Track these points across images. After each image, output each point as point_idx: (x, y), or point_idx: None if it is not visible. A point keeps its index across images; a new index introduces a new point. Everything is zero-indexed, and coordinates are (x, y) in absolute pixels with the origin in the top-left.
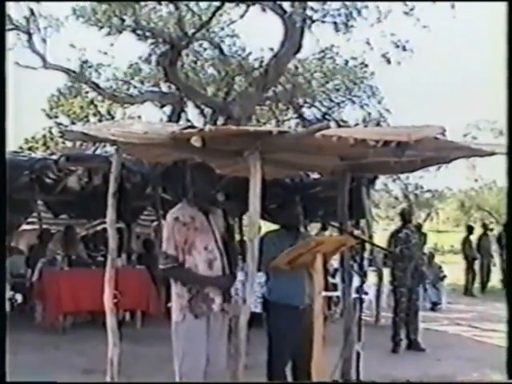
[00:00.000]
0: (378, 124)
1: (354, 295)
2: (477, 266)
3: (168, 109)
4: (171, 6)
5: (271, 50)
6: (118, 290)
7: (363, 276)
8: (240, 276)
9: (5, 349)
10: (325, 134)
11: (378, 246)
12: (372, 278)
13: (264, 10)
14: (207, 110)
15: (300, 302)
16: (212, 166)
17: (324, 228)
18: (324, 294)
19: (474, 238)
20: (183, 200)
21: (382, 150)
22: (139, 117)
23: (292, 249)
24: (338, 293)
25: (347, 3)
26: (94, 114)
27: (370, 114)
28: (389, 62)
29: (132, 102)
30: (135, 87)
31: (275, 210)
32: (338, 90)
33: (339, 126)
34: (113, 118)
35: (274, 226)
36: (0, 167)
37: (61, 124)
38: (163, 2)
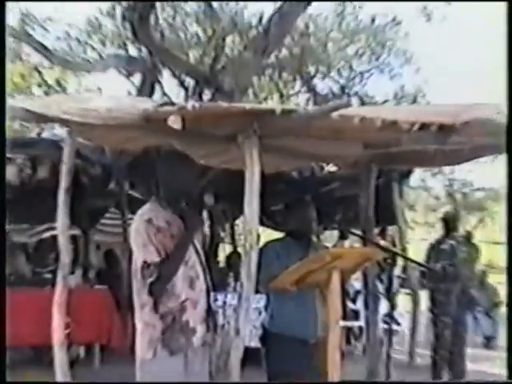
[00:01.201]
0: (413, 101)
1: (380, 325)
2: None
3: (138, 79)
4: None
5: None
6: (71, 318)
7: (393, 301)
8: (231, 299)
9: (5, 349)
10: (344, 114)
11: (413, 261)
12: (405, 303)
13: None
14: (189, 81)
15: (310, 334)
16: (195, 155)
17: (343, 237)
18: (342, 323)
19: None
20: (153, 199)
21: (419, 134)
22: (99, 89)
23: (300, 264)
24: (361, 322)
25: None
26: (39, 85)
27: (403, 87)
28: (429, 18)
29: (90, 69)
30: (94, 49)
31: (279, 213)
32: (361, 55)
33: (363, 103)
34: (64, 90)
35: (277, 234)
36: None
37: None
38: None
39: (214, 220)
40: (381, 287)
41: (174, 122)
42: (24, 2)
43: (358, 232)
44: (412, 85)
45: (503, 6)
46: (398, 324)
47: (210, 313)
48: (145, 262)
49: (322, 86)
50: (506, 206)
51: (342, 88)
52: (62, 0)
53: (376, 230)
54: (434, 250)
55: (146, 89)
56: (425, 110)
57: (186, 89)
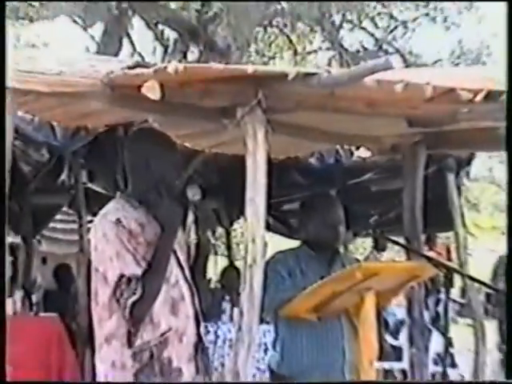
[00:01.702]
0: (476, 61)
1: (431, 368)
2: None
3: (98, 31)
4: None
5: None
6: (8, 358)
7: (448, 334)
8: (227, 332)
9: (5, 348)
10: (381, 80)
11: (475, 281)
12: (466, 336)
13: None
14: (169, 34)
15: (335, 379)
16: (177, 135)
17: (379, 246)
18: (378, 365)
19: None
20: (118, 195)
21: (484, 107)
22: (46, 44)
23: (322, 284)
24: (404, 363)
25: None
26: None
27: (461, 42)
28: None
29: (34, 17)
30: None
31: (292, 215)
32: None
33: (406, 64)
34: None
35: (291, 243)
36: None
37: None
38: None
39: (202, 223)
40: (431, 316)
41: (150, 90)
42: (24, 1)
43: (401, 240)
44: (474, 39)
45: None
46: (455, 366)
47: (200, 347)
48: (122, 277)
49: (350, 40)
50: (506, 206)
51: (379, 43)
52: (62, 0)
53: (425, 237)
54: (505, 265)
55: (111, 45)
56: (492, 74)
57: (165, 45)
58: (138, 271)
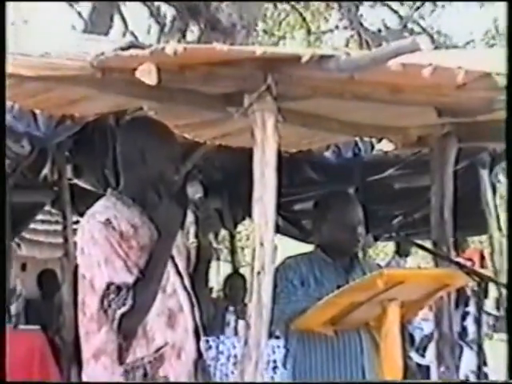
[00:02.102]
0: None
1: None
2: None
3: (87, 7)
4: None
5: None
6: None
7: (482, 351)
8: (231, 347)
9: (5, 348)
10: (407, 63)
11: None
12: (501, 354)
13: None
14: (166, 11)
15: None
16: (176, 124)
17: (402, 251)
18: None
19: None
20: (109, 192)
21: None
22: (26, 22)
23: (339, 293)
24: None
25: None
26: None
27: (496, 20)
28: None
29: None
30: None
31: (306, 215)
32: None
33: (435, 46)
34: None
35: (304, 248)
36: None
37: None
38: None
39: (202, 225)
40: (462, 331)
41: (145, 74)
42: (24, 1)
43: (428, 244)
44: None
45: None
46: None
47: (201, 365)
48: (110, 285)
49: (371, 18)
50: (506, 206)
51: (403, 21)
52: (62, 0)
53: (455, 242)
54: None
55: (101, 22)
56: None
57: (162, 23)
58: (129, 279)
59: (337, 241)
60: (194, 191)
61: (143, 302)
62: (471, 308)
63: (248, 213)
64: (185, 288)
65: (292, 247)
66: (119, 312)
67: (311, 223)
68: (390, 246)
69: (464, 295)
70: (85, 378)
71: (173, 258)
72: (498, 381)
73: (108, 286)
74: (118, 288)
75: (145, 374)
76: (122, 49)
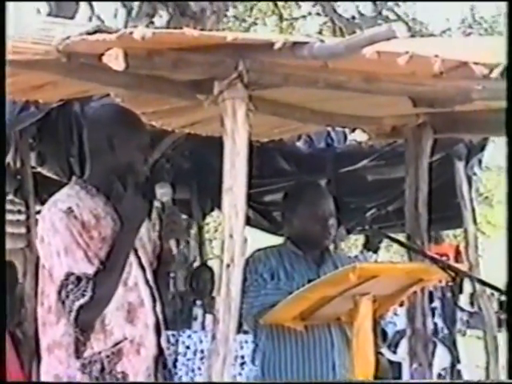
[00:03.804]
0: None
1: None
2: None
3: None
4: None
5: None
6: None
7: (456, 348)
8: (198, 342)
9: (5, 348)
10: (382, 51)
11: (487, 286)
12: (475, 351)
13: None
14: None
15: None
16: (144, 111)
17: (371, 246)
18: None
19: None
20: (74, 181)
21: (500, 84)
22: None
23: (310, 287)
24: (405, 380)
25: None
26: None
27: (473, 8)
28: None
29: None
30: None
31: (276, 207)
32: None
33: (411, 33)
34: None
35: (274, 240)
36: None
37: None
38: None
39: (165, 229)
40: (436, 327)
41: (112, 60)
42: (24, 1)
43: (402, 238)
44: (488, 5)
45: None
46: None
47: (161, 361)
48: (70, 275)
49: (345, 4)
50: (506, 205)
51: (378, 8)
52: (62, 0)
53: (430, 235)
54: None
55: (66, 6)
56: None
57: (129, 7)
58: (89, 270)
59: (307, 233)
60: (163, 193)
61: (103, 295)
62: (437, 303)
63: (217, 204)
64: (147, 282)
65: (262, 240)
66: (77, 304)
67: (281, 215)
68: (363, 238)
69: (443, 290)
70: (45, 372)
71: (136, 251)
72: (498, 381)
73: (67, 276)
74: (78, 279)
75: (102, 369)
76: (89, 33)
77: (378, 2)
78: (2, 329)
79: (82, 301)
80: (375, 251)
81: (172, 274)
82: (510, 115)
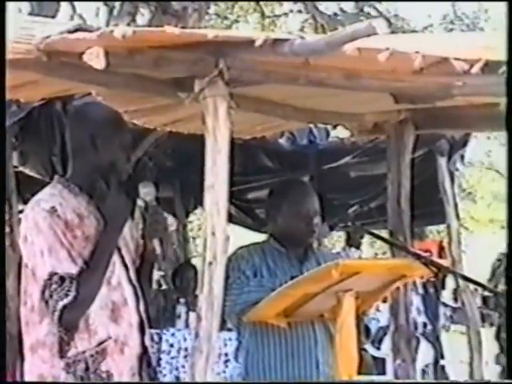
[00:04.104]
0: (472, 27)
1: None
2: None
3: None
4: None
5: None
6: None
7: (439, 344)
8: (182, 340)
9: (5, 348)
10: (363, 48)
11: (470, 281)
12: (458, 347)
13: None
14: None
15: None
16: (126, 110)
17: (353, 242)
18: (358, 378)
19: None
20: (57, 179)
21: (482, 80)
22: None
23: (293, 284)
24: (387, 377)
25: None
26: None
27: (454, 5)
28: None
29: None
30: None
31: (259, 204)
32: None
33: (392, 30)
34: None
35: (257, 237)
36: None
37: None
38: None
39: (148, 229)
40: (419, 323)
41: (93, 58)
42: (24, 2)
43: (384, 234)
44: (470, 2)
45: None
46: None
47: (146, 360)
48: (53, 275)
49: (327, 1)
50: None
51: (359, 5)
52: (62, 0)
53: (413, 231)
54: (504, 263)
55: (48, 5)
56: (491, 42)
57: (111, 6)
58: (73, 270)
59: (292, 231)
60: (146, 192)
61: (86, 294)
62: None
63: (200, 201)
64: (130, 281)
65: (245, 237)
66: (61, 303)
67: (265, 212)
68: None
69: (426, 286)
70: (26, 372)
71: (119, 250)
72: (497, 381)
73: (50, 276)
74: (61, 278)
75: (86, 368)
76: (69, 32)
77: None
78: (2, 329)
79: (65, 301)
80: (357, 247)
81: (160, 273)
82: (510, 111)
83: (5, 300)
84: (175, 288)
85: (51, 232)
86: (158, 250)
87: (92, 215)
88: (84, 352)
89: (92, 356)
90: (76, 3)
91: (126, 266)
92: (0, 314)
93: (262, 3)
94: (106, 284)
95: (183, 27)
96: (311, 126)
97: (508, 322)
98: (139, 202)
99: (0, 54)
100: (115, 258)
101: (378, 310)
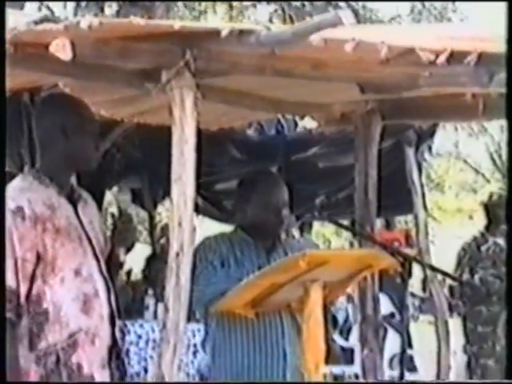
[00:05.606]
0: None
1: (387, 373)
2: None
3: None
4: None
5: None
6: None
7: (407, 334)
8: (150, 331)
9: (5, 348)
10: (330, 38)
11: (438, 271)
12: (427, 336)
13: None
14: None
15: None
16: (93, 101)
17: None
18: (326, 368)
19: None
20: (27, 171)
21: (450, 70)
22: None
23: (260, 275)
24: (355, 367)
25: None
26: None
27: None
28: None
29: None
30: None
31: (227, 195)
32: None
33: (359, 20)
34: None
35: (224, 228)
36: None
37: None
38: None
39: (118, 236)
40: (387, 312)
41: (60, 50)
42: (24, 1)
43: (352, 225)
44: None
45: None
46: (415, 370)
47: (115, 351)
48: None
49: None
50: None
51: None
52: (62, 0)
53: (380, 222)
54: (471, 253)
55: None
56: (457, 32)
57: None
58: (12, 284)
59: (261, 222)
60: (123, 200)
61: None
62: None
63: (167, 193)
64: (101, 272)
65: (212, 228)
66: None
67: (234, 203)
68: (315, 226)
69: (393, 275)
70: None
71: (90, 240)
72: (498, 381)
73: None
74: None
75: (57, 361)
76: (36, 23)
77: None
78: (2, 330)
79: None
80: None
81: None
82: (509, 102)
83: (4, 301)
84: (144, 279)
85: (9, 235)
86: (122, 258)
87: (64, 207)
88: (55, 344)
89: (63, 348)
90: None
91: (97, 257)
92: (0, 315)
93: None
94: (77, 275)
95: (150, 18)
96: (279, 116)
97: (508, 321)
98: (111, 209)
99: (0, 54)
100: (87, 247)
101: (346, 300)
